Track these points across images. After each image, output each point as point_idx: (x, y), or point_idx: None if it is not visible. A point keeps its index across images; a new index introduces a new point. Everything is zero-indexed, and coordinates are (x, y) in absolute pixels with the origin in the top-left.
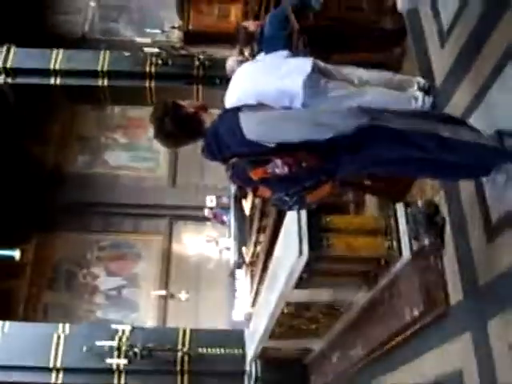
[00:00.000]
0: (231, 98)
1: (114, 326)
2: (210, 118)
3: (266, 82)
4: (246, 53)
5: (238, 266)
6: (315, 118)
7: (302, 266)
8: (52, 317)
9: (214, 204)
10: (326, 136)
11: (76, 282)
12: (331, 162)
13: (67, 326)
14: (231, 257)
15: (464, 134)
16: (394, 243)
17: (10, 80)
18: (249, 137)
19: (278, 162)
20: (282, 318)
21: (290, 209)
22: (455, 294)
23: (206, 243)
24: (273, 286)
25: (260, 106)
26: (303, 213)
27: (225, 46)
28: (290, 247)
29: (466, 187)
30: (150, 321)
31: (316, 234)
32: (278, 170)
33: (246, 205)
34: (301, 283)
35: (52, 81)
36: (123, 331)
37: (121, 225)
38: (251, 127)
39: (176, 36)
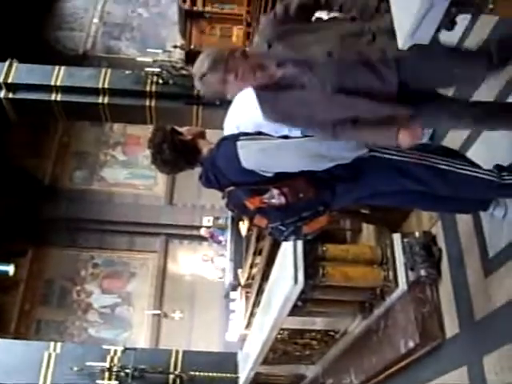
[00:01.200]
0: (230, 124)
1: (105, 347)
2: (207, 145)
3: None
4: None
5: (233, 287)
6: (314, 148)
7: (296, 294)
8: (44, 333)
9: (210, 224)
10: (325, 167)
11: (69, 299)
12: (328, 192)
13: (58, 344)
14: (227, 278)
15: (462, 168)
16: (390, 273)
17: (10, 95)
18: (246, 166)
19: (275, 192)
20: (275, 344)
21: (286, 239)
22: (451, 326)
23: (201, 263)
24: (267, 312)
25: (258, 135)
26: (299, 241)
27: None
28: (286, 274)
29: (464, 219)
30: (142, 340)
31: (312, 263)
32: (274, 200)
33: (243, 226)
34: (295, 311)
35: (53, 97)
36: (115, 352)
37: (116, 242)
38: (249, 156)
39: (177, 55)
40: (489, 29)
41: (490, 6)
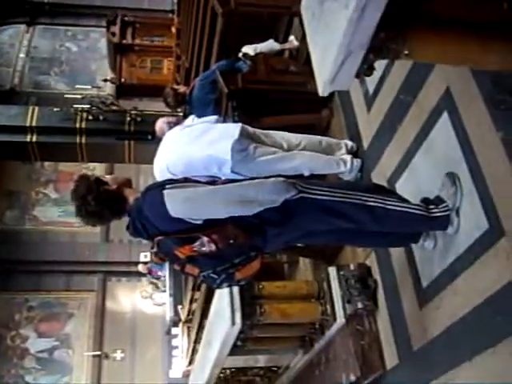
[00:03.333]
0: (160, 165)
1: None
2: (133, 193)
3: (193, 149)
4: (179, 110)
5: (175, 323)
6: (241, 193)
7: (235, 334)
8: None
9: (148, 259)
10: (254, 211)
11: (3, 346)
12: (259, 237)
13: None
14: (167, 313)
15: (390, 203)
16: (328, 307)
17: None
18: (174, 215)
19: (205, 239)
20: (218, 383)
21: (219, 287)
22: (391, 357)
23: (141, 299)
24: (208, 350)
25: (185, 182)
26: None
27: (158, 99)
28: (223, 315)
29: (397, 250)
30: (83, 382)
31: (249, 302)
32: (204, 248)
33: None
34: (235, 351)
35: None
36: None
37: (52, 283)
38: (176, 205)
39: (108, 89)
40: (405, 72)
41: (406, 52)
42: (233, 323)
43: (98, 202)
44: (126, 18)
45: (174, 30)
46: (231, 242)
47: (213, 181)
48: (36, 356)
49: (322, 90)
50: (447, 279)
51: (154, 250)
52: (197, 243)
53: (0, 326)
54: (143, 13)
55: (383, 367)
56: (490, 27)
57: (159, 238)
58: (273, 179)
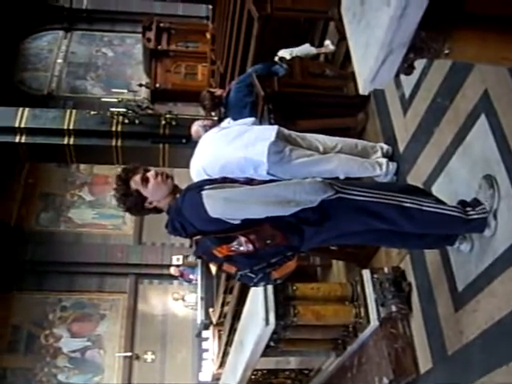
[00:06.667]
0: (196, 167)
1: None
2: (173, 198)
3: (230, 151)
4: (213, 113)
5: (206, 326)
6: (279, 193)
7: (268, 335)
8: (10, 382)
9: (180, 262)
10: (292, 211)
11: (37, 345)
12: (296, 236)
13: None
14: (198, 317)
15: (427, 205)
16: (362, 310)
17: None
18: (212, 215)
19: (242, 239)
20: None
21: (256, 285)
22: (425, 361)
23: (172, 302)
24: (240, 352)
25: (223, 182)
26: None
27: (192, 104)
28: (257, 315)
29: (432, 253)
30: (114, 383)
31: (283, 303)
32: (242, 248)
33: (213, 265)
34: (268, 351)
35: (17, 139)
36: None
37: (85, 284)
38: (215, 206)
39: (143, 94)
40: (442, 75)
41: (446, 51)
42: (267, 323)
43: (137, 213)
44: (162, 24)
45: (208, 35)
46: (268, 242)
47: (250, 180)
48: (68, 355)
49: (363, 88)
50: (484, 282)
51: (193, 248)
52: (234, 243)
53: (34, 325)
54: (178, 19)
55: (417, 371)
56: None
57: (198, 237)
58: (310, 179)
